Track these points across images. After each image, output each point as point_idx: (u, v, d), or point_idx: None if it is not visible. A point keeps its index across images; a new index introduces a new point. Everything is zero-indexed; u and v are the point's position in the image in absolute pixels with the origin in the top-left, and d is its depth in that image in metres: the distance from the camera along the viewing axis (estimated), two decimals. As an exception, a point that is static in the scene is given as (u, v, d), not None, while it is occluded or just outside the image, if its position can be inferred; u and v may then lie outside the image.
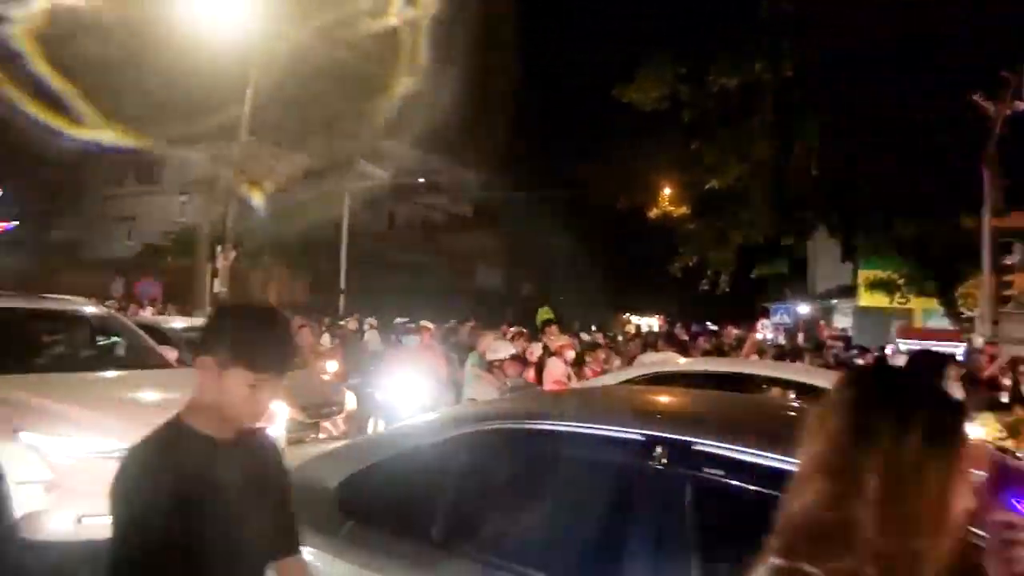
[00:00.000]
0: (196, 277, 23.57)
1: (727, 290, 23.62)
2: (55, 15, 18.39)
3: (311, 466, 2.93)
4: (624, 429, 2.18)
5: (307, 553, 2.60)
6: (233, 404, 1.68)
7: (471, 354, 7.19)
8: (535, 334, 12.74)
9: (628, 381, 6.10)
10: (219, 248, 20.63)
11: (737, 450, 1.97)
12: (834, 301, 27.80)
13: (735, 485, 1.97)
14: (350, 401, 8.30)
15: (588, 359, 9.34)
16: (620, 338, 19.07)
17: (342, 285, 26.35)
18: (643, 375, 6.37)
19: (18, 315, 6.20)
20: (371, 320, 17.27)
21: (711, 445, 2.01)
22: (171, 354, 6.45)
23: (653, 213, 27.06)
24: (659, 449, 2.05)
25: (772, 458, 1.91)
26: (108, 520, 4.76)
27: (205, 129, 22.56)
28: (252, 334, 1.69)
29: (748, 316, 25.95)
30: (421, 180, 30.47)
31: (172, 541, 1.57)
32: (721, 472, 1.98)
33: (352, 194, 27.48)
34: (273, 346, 1.70)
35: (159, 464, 1.64)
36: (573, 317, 25.91)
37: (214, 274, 21.14)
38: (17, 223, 20.96)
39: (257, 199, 25.17)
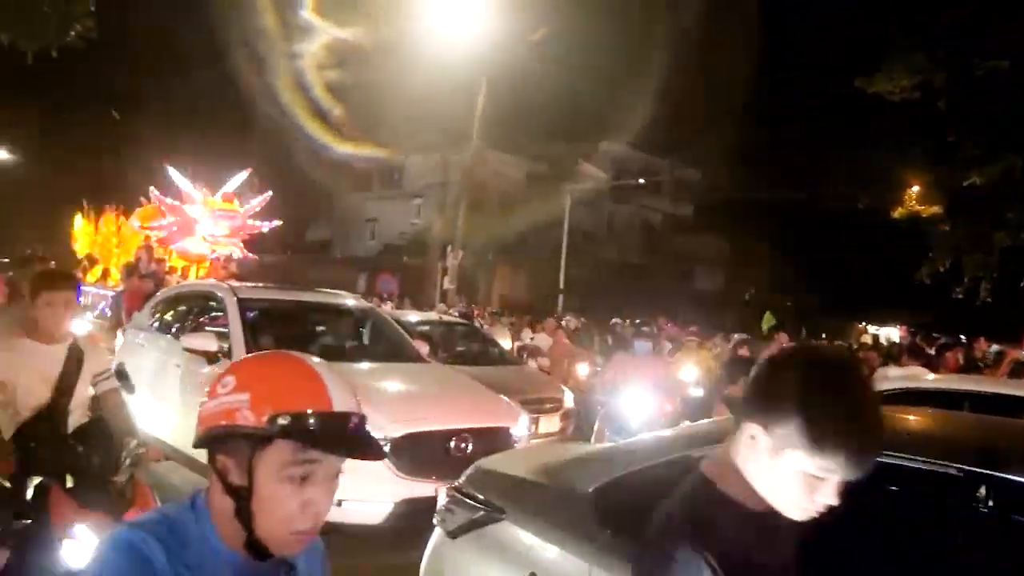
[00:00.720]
0: (428, 275, 25.23)
1: (988, 299, 20.89)
2: (330, 47, 20.94)
3: (566, 468, 2.92)
4: (935, 461, 1.89)
5: (560, 555, 2.60)
6: (782, 494, 1.29)
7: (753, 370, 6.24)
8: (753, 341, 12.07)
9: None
10: (448, 248, 21.93)
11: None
12: None
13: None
14: (568, 399, 8.38)
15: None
16: (855, 348, 17.58)
17: (561, 285, 26.80)
18: (886, 391, 5.82)
19: (296, 307, 6.82)
20: (570, 319, 16.42)
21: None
22: (424, 348, 6.74)
23: (898, 213, 24.58)
24: (983, 490, 1.75)
25: None
26: (363, 506, 5.11)
27: (440, 136, 24.16)
28: (831, 411, 1.22)
29: (1012, 329, 22.70)
30: (641, 181, 30.20)
31: None
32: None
33: (573, 195, 27.88)
34: (858, 431, 1.23)
35: (704, 544, 1.28)
36: (802, 324, 24.30)
37: (444, 272, 22.50)
38: (280, 223, 23.57)
39: (483, 201, 26.44)
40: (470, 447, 5.03)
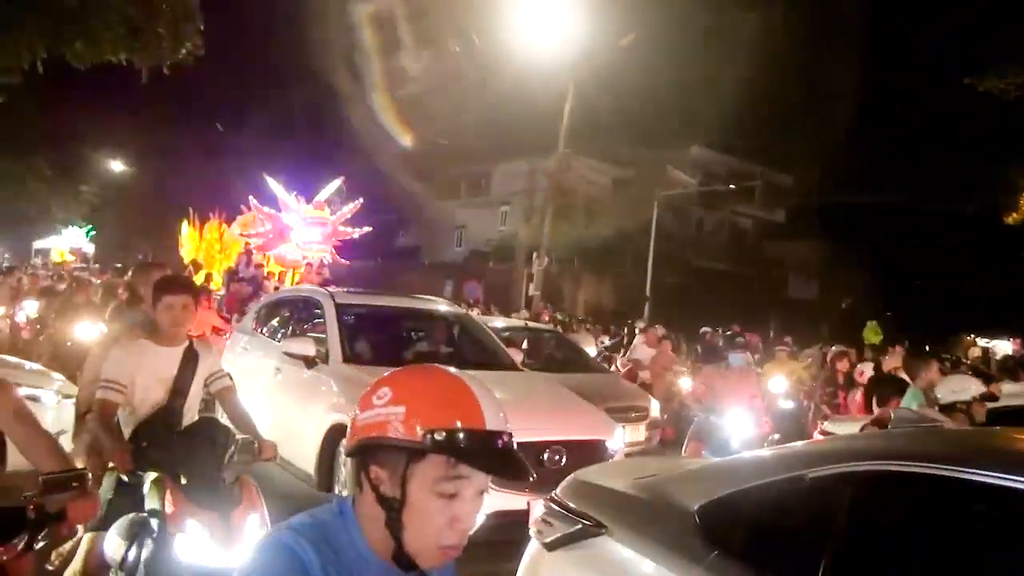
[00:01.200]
0: (513, 281, 25.35)
1: (1115, 311, 19.41)
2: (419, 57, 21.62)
3: (668, 484, 2.84)
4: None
5: (664, 575, 2.52)
6: None
7: (910, 392, 5.34)
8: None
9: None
10: (534, 254, 21.97)
11: None
12: None
13: None
14: (654, 408, 8.21)
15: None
16: (966, 362, 16.58)
17: (647, 292, 26.40)
18: (999, 409, 5.38)
19: (392, 313, 6.91)
20: (641, 326, 15.16)
21: None
22: (517, 356, 6.69)
23: (1011, 219, 23.14)
24: None
25: None
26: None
27: (527, 143, 24.30)
28: None
29: None
30: (732, 187, 29.44)
31: None
32: None
33: (660, 201, 27.47)
34: None
35: None
36: (902, 336, 23.14)
37: (529, 278, 22.56)
38: (371, 229, 24.17)
39: (569, 207, 26.38)
40: (564, 459, 4.91)
